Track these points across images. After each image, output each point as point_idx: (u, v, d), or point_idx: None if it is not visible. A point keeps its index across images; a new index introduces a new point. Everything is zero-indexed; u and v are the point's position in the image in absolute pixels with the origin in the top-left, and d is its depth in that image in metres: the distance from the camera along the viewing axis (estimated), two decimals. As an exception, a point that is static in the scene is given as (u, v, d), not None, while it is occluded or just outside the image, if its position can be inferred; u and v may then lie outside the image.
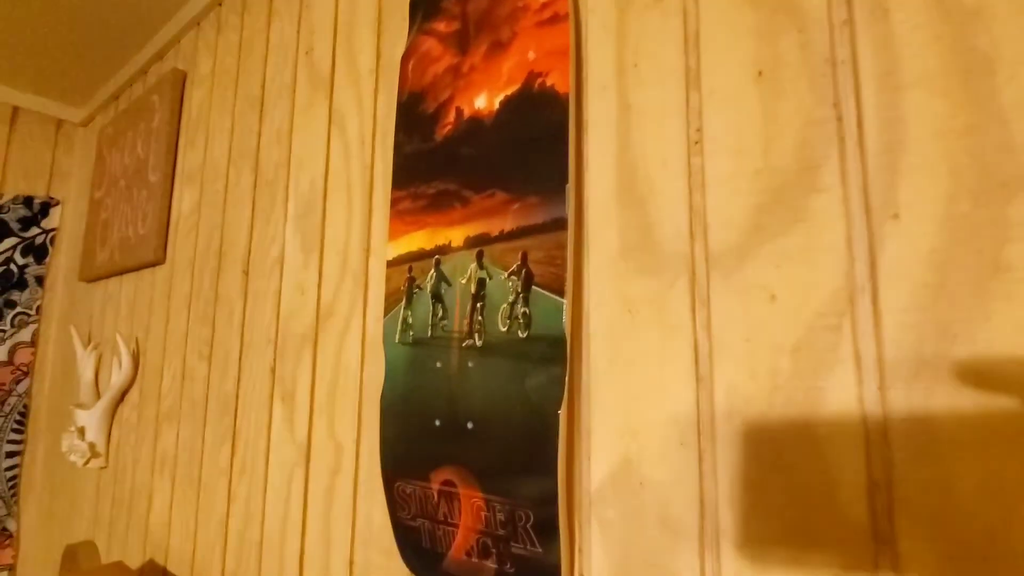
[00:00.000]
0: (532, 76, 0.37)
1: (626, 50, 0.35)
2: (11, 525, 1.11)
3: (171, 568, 0.69)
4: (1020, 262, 0.22)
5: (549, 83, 0.36)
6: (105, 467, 0.89)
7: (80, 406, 0.91)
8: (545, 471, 0.32)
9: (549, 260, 0.34)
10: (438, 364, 0.39)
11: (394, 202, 0.45)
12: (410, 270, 0.42)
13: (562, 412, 0.32)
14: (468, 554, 0.36)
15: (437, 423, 0.38)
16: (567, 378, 0.32)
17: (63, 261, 1.19)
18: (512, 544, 0.33)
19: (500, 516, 0.34)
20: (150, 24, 0.91)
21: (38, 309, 1.16)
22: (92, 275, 1.01)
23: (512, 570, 0.33)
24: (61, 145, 1.21)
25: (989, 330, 0.22)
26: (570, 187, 0.34)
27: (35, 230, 1.17)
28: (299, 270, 0.58)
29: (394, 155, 0.47)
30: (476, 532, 0.35)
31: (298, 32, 0.64)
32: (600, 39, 0.36)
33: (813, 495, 0.25)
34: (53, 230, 1.19)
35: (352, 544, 0.47)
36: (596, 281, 0.34)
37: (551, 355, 0.33)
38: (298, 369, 0.56)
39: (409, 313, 0.42)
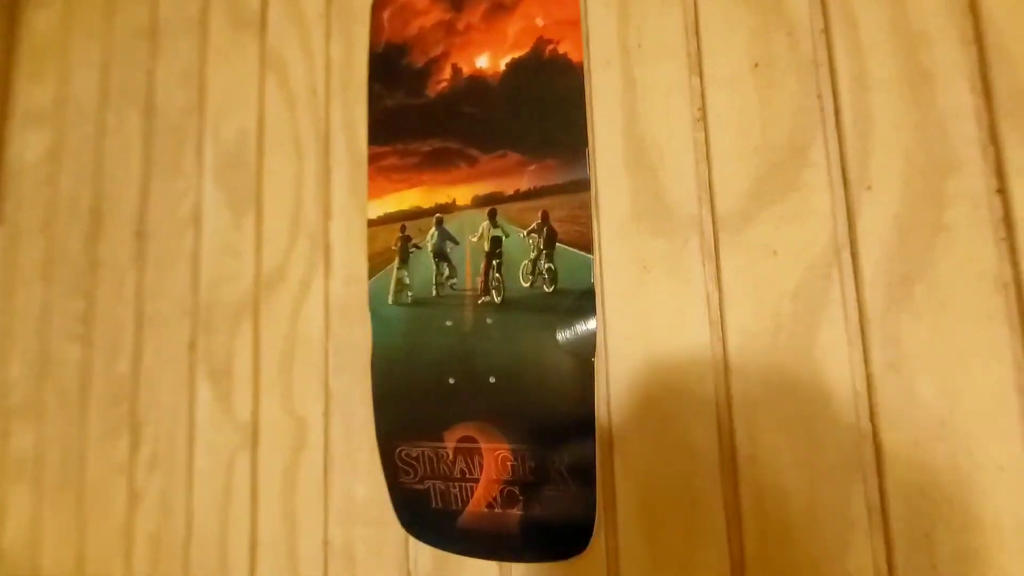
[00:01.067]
0: (542, 42, 0.38)
1: (628, 29, 0.39)
2: None
3: (38, 592, 0.57)
4: (955, 224, 0.30)
5: (562, 51, 0.38)
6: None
7: None
8: (583, 415, 0.35)
9: (572, 219, 0.36)
10: (448, 323, 0.39)
11: (374, 158, 0.43)
12: (403, 229, 0.41)
13: (598, 360, 0.35)
14: (490, 506, 0.37)
15: (451, 381, 0.38)
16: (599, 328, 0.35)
17: None
18: (545, 487, 0.35)
19: (530, 463, 0.36)
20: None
21: None
22: None
23: (543, 512, 0.36)
24: None
25: (936, 275, 0.30)
26: (591, 151, 0.36)
27: None
28: (228, 231, 0.52)
29: (370, 109, 0.44)
30: (500, 483, 0.37)
31: (208, -42, 0.56)
32: (602, 16, 0.39)
33: (815, 407, 0.32)
34: None
35: (326, 522, 0.44)
36: (609, 241, 0.37)
37: (581, 307, 0.35)
38: (235, 342, 0.50)
39: (404, 273, 0.41)
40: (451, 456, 0.38)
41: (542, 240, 0.36)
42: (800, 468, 0.32)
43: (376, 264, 0.42)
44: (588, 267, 0.35)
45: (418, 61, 0.42)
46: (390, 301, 0.41)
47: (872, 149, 0.32)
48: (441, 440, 0.38)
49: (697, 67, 0.37)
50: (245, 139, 0.52)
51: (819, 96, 0.34)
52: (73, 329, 0.59)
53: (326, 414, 0.45)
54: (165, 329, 0.54)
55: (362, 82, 0.47)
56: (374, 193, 0.43)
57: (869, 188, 0.32)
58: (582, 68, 0.37)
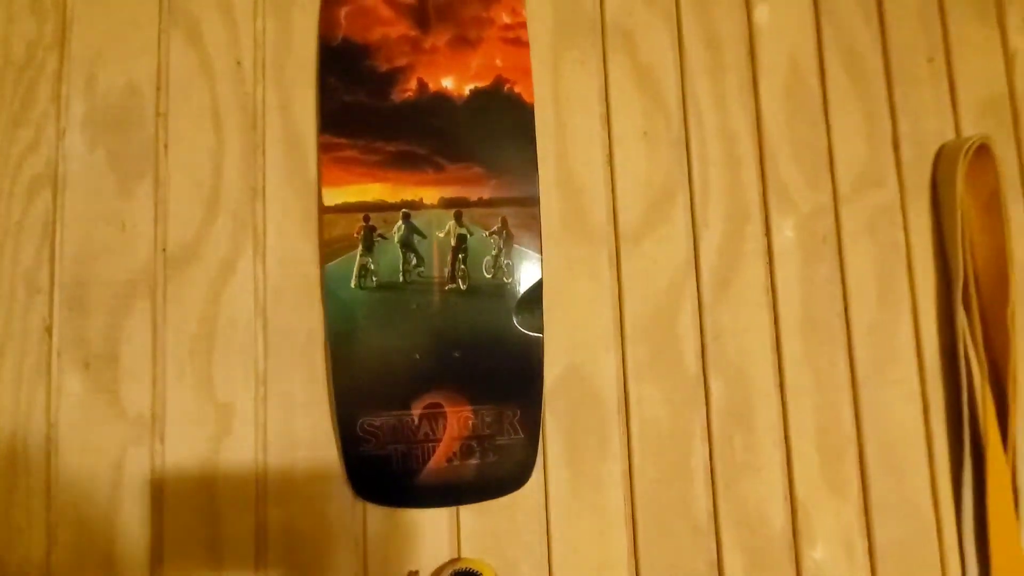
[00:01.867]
0: (501, 80, 0.47)
1: (560, 84, 0.50)
2: None
3: None
4: (750, 252, 0.51)
5: (517, 90, 0.47)
6: None
7: None
8: (533, 377, 0.45)
9: (525, 225, 0.46)
10: (414, 306, 0.44)
11: (329, 147, 0.45)
12: (367, 219, 0.45)
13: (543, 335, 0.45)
14: (449, 460, 0.44)
15: (417, 356, 0.44)
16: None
17: None
18: (497, 438, 0.44)
19: (487, 419, 0.44)
20: None
21: None
22: None
23: (495, 459, 0.44)
24: None
25: (737, 282, 0.50)
26: (539, 174, 0.47)
27: None
28: (110, 197, 0.45)
29: (323, 99, 0.46)
30: (460, 439, 0.44)
31: None
32: (542, 71, 0.50)
33: (674, 360, 0.49)
34: None
35: (257, 504, 0.44)
36: (547, 245, 0.48)
37: (532, 295, 0.45)
38: (125, 324, 0.44)
39: (369, 260, 0.44)
40: (416, 422, 0.44)
41: (502, 240, 0.45)
42: (666, 405, 0.49)
43: (335, 250, 0.44)
44: (537, 265, 0.46)
45: (381, 66, 0.46)
46: (353, 285, 0.44)
47: (708, 202, 0.51)
48: (408, 409, 0.44)
49: (607, 125, 0.51)
50: (136, 96, 0.46)
51: (680, 163, 0.51)
52: None
53: (264, 397, 0.45)
54: (3, 311, 0.43)
55: (302, 67, 0.48)
56: (331, 182, 0.45)
57: (707, 226, 0.51)
58: (532, 107, 0.48)
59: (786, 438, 0.49)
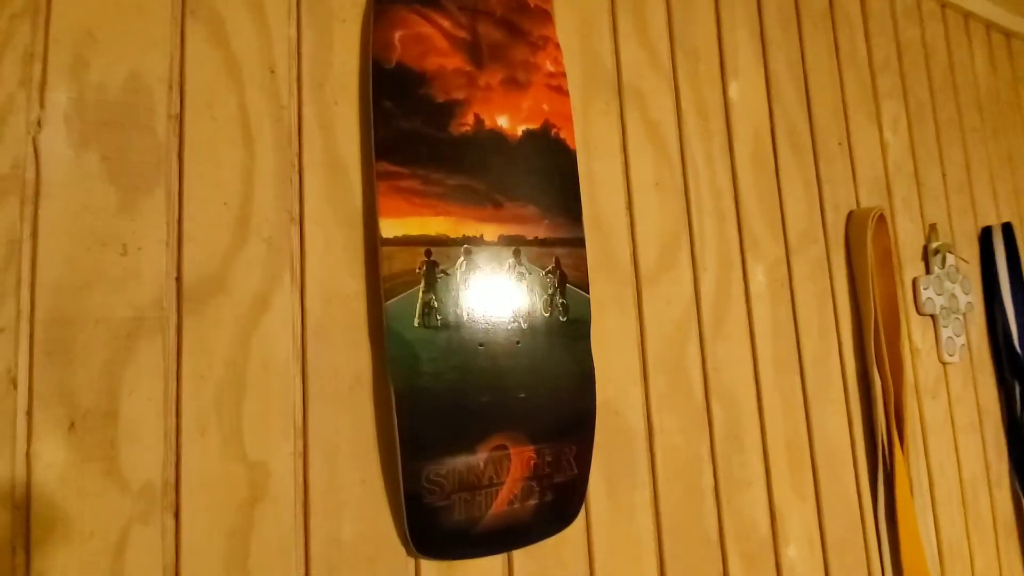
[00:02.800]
0: (548, 125, 0.49)
1: (590, 133, 0.54)
2: None
3: None
4: (739, 293, 0.59)
5: (562, 136, 0.49)
6: None
7: None
8: (588, 411, 0.46)
9: (575, 266, 0.48)
10: (481, 346, 0.43)
11: (389, 175, 0.42)
12: (428, 253, 0.42)
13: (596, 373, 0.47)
14: (511, 502, 0.43)
15: (485, 398, 0.42)
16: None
17: None
18: (555, 476, 0.45)
19: (548, 457, 0.44)
20: None
21: None
22: None
23: (551, 497, 0.45)
24: None
25: (729, 318, 0.58)
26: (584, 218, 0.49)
27: None
28: (103, 212, 0.36)
29: (378, 123, 0.42)
30: (522, 480, 0.43)
31: None
32: (577, 120, 0.53)
33: (683, 386, 0.54)
34: None
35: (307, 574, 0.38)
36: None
37: (583, 333, 0.47)
38: (125, 373, 0.35)
39: (432, 296, 0.42)
40: (482, 466, 0.42)
41: (557, 280, 0.46)
42: (680, 433, 0.53)
43: (397, 285, 0.41)
44: (588, 303, 0.48)
45: (438, 97, 0.44)
46: (416, 323, 0.41)
47: (705, 249, 0.58)
48: (474, 452, 0.42)
49: (626, 174, 0.55)
50: (143, 91, 0.38)
51: (685, 213, 0.58)
52: None
53: (303, 452, 0.39)
54: (-71, 356, 0.31)
55: (345, 85, 0.44)
56: (388, 212, 0.42)
57: (706, 270, 0.58)
58: (575, 154, 0.50)
59: (765, 454, 0.57)
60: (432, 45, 0.45)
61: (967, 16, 0.89)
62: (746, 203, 0.62)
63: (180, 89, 0.39)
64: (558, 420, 0.45)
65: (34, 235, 0.34)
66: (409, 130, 0.43)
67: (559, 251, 0.47)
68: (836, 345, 0.65)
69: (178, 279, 0.37)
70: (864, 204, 0.70)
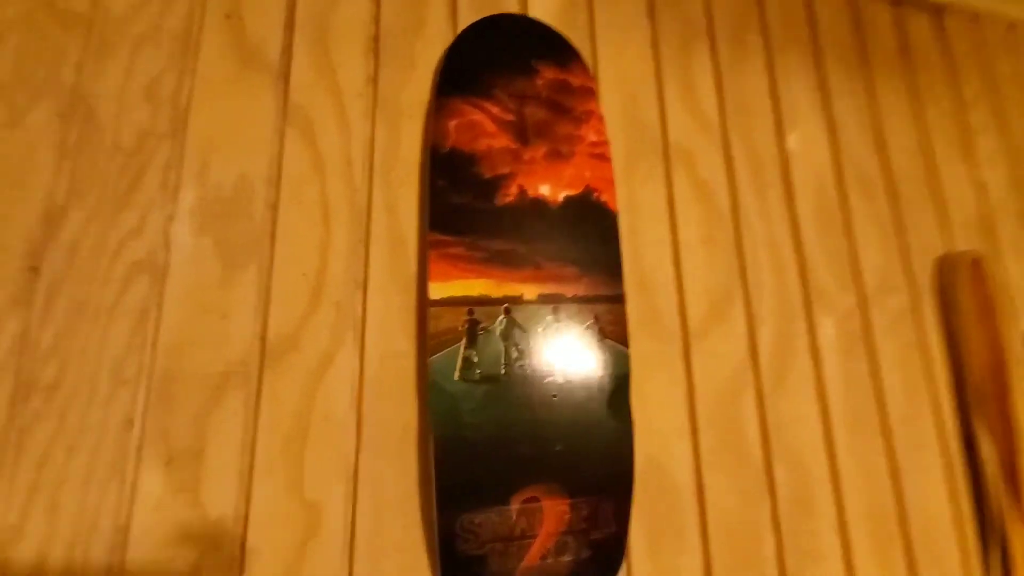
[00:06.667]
0: (589, 190, 0.52)
1: (634, 195, 0.56)
2: None
3: None
4: (799, 348, 0.56)
5: (603, 199, 0.52)
6: None
7: None
8: (626, 466, 0.46)
9: (614, 322, 0.49)
10: (518, 398, 0.45)
11: (438, 244, 0.47)
12: (471, 312, 0.46)
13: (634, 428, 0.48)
14: (543, 557, 0.44)
15: (521, 450, 0.45)
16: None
17: None
18: (592, 532, 0.45)
19: (584, 512, 0.45)
20: None
21: None
22: None
23: (588, 554, 0.45)
24: None
25: (783, 374, 0.55)
26: (624, 275, 0.51)
27: None
28: (211, 287, 0.44)
29: (433, 200, 0.48)
30: (556, 535, 0.44)
31: (196, -24, 0.50)
32: (620, 183, 0.56)
33: (738, 444, 0.52)
34: None
35: (345, 613, 0.42)
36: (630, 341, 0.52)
37: (621, 387, 0.48)
38: (213, 419, 0.42)
39: (473, 352, 0.46)
40: (515, 517, 0.44)
41: (595, 336, 0.48)
42: (735, 493, 0.51)
43: (440, 342, 0.45)
44: (626, 359, 0.49)
45: (486, 173, 0.50)
46: (456, 377, 0.45)
47: (763, 302, 0.57)
48: (507, 503, 0.44)
49: (674, 231, 0.56)
50: (248, 188, 0.47)
51: (738, 267, 0.57)
52: None
53: (352, 495, 0.44)
54: (79, 402, 0.40)
55: (408, 171, 0.51)
56: (437, 276, 0.47)
57: (763, 323, 0.56)
58: (616, 215, 0.52)
59: (842, 524, 0.53)
60: (483, 129, 0.51)
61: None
62: (810, 254, 0.60)
63: (277, 183, 0.48)
64: (595, 474, 0.46)
65: (159, 305, 0.43)
66: (459, 204, 0.49)
67: (598, 308, 0.49)
68: (929, 404, 0.59)
69: (262, 339, 0.45)
70: (960, 248, 0.64)
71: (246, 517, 0.42)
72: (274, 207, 0.47)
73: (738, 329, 0.55)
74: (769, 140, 0.62)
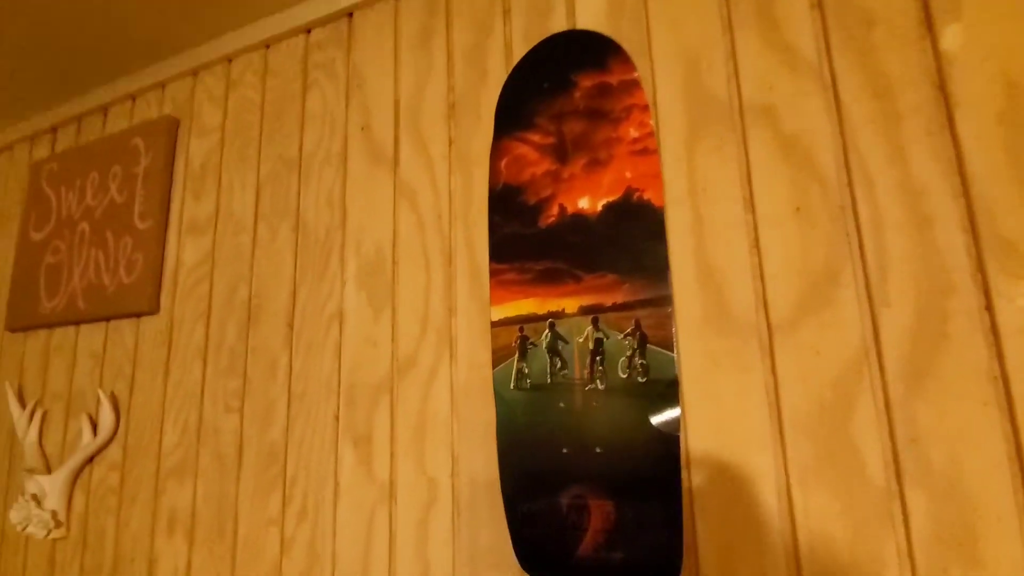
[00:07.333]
0: (631, 190, 0.51)
1: (696, 177, 0.51)
2: None
3: (195, 628, 0.68)
4: (954, 333, 0.41)
5: (646, 197, 0.50)
6: (65, 537, 0.82)
7: (32, 471, 0.82)
8: (671, 477, 0.45)
9: (658, 325, 0.48)
10: (561, 404, 0.50)
11: (496, 273, 0.56)
12: (521, 329, 0.53)
13: (680, 434, 0.45)
14: (596, 550, 0.47)
15: (565, 451, 0.49)
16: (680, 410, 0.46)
17: (-37, 307, 1.05)
18: (640, 535, 0.46)
19: (629, 515, 0.46)
20: (116, 61, 0.89)
21: (-71, 363, 1.00)
22: (30, 323, 0.92)
23: (641, 555, 0.46)
24: (-36, 176, 1.07)
25: (941, 371, 0.41)
26: (671, 273, 0.48)
27: (-70, 272, 1.01)
28: (368, 325, 0.65)
29: (491, 234, 0.57)
30: (604, 532, 0.47)
31: (347, 108, 0.72)
32: (675, 169, 0.52)
33: (853, 471, 0.42)
34: (-50, 271, 1.04)
35: (453, 564, 0.55)
36: (685, 341, 0.49)
37: (667, 394, 0.46)
38: (374, 415, 0.62)
39: (524, 365, 0.53)
40: (565, 511, 0.49)
41: (636, 341, 0.48)
42: (844, 519, 0.42)
43: (498, 357, 0.54)
44: (672, 363, 0.47)
45: (530, 200, 0.55)
46: (511, 387, 0.53)
47: (888, 275, 0.43)
48: (557, 497, 0.49)
49: (751, 208, 0.49)
50: (381, 253, 0.65)
51: (847, 234, 0.45)
52: (230, 403, 0.72)
53: (453, 475, 0.56)
54: (313, 404, 0.66)
55: (479, 210, 0.60)
56: (496, 301, 0.55)
57: (888, 305, 0.43)
58: (662, 209, 0.50)
59: (1047, 584, 0.36)
60: (526, 160, 0.56)
61: None
62: (984, 195, 0.42)
63: (394, 245, 0.65)
64: (638, 479, 0.46)
65: (341, 342, 0.66)
66: (509, 233, 0.56)
67: (640, 313, 0.49)
68: None
69: (394, 359, 0.62)
70: None
71: (394, 484, 0.60)
72: (395, 263, 0.64)
73: (847, 315, 0.44)
74: (905, 52, 0.45)
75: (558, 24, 0.60)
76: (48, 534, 0.79)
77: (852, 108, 0.47)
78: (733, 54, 0.52)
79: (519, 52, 0.61)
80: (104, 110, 0.97)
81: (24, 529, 0.79)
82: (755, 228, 0.48)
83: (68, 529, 0.81)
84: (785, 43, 0.50)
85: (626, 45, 0.55)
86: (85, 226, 0.90)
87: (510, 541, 0.52)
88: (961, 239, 0.42)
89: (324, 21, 0.75)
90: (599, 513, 0.47)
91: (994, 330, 0.40)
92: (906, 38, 0.46)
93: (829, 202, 0.46)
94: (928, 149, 0.44)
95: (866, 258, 0.44)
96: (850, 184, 0.46)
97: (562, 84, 0.56)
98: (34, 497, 0.80)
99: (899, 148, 0.45)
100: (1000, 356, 0.40)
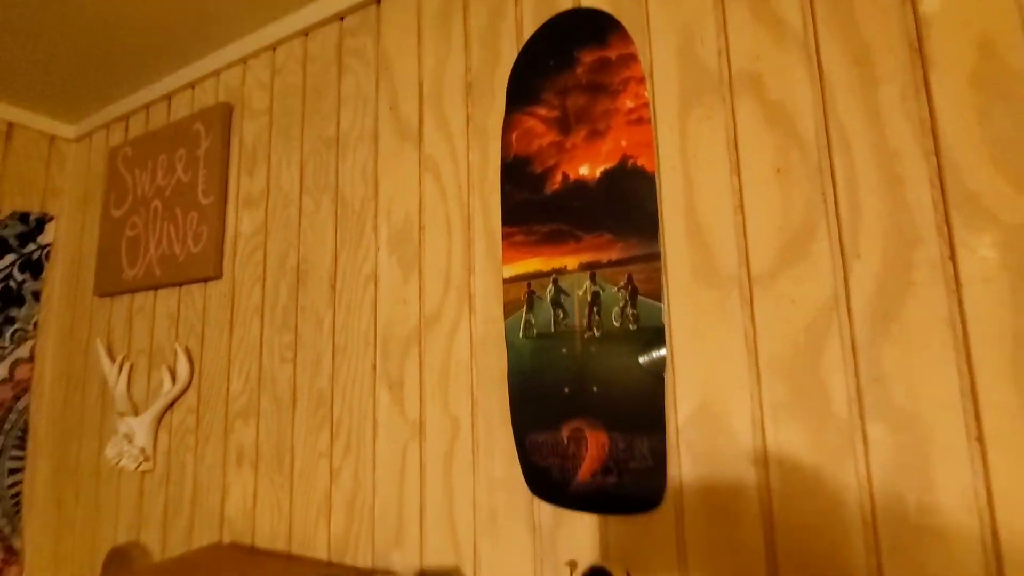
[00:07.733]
0: (626, 157, 0.56)
1: (687, 144, 0.55)
2: (16, 543, 1.11)
3: (261, 544, 0.80)
4: (919, 281, 0.44)
5: (640, 163, 0.55)
6: (151, 470, 0.96)
7: (123, 414, 0.96)
8: (657, 413, 0.51)
9: (648, 279, 0.53)
10: (564, 350, 0.57)
11: (507, 235, 0.62)
12: (529, 285, 0.60)
13: (666, 375, 0.51)
14: (593, 475, 0.54)
15: (566, 390, 0.56)
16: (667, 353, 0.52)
17: (59, 275, 1.20)
18: (630, 462, 0.52)
19: (621, 445, 0.52)
20: (176, 54, 0.99)
21: (35, 324, 1.17)
22: (115, 289, 1.06)
23: (629, 480, 0.52)
24: (54, 161, 1.22)
25: (906, 316, 0.45)
26: (661, 232, 0.53)
27: (32, 246, 1.17)
28: (399, 285, 0.73)
29: (503, 201, 0.64)
30: (600, 460, 0.54)
31: (377, 89, 0.79)
32: (668, 137, 0.56)
33: (820, 407, 0.47)
34: (48, 245, 1.20)
35: (474, 491, 0.63)
36: (675, 293, 0.54)
37: (655, 339, 0.52)
38: (405, 364, 0.71)
39: (531, 316, 0.59)
40: (566, 442, 0.55)
41: (628, 293, 0.54)
42: (811, 450, 0.47)
43: (509, 310, 0.61)
44: (660, 312, 0.52)
45: (537, 169, 0.61)
46: (520, 336, 0.59)
47: (859, 230, 0.47)
48: (559, 430, 0.56)
49: (736, 171, 0.53)
50: (409, 221, 0.73)
51: (823, 193, 0.49)
52: (285, 354, 0.82)
53: (472, 415, 0.64)
54: (354, 355, 0.75)
55: (494, 180, 0.67)
56: (507, 260, 0.62)
57: (858, 256, 0.47)
58: (655, 175, 0.55)
59: (990, 507, 0.41)
60: (534, 133, 0.62)
61: None
62: (954, 153, 0.44)
63: (420, 213, 0.72)
64: (629, 413, 0.52)
65: (376, 300, 0.74)
66: (519, 200, 0.62)
67: (632, 268, 0.54)
68: None
69: (421, 315, 0.70)
70: None
71: (423, 423, 0.68)
72: (421, 229, 0.71)
73: (819, 268, 0.48)
74: (885, 20, 0.48)
75: (565, 4, 0.64)
76: (138, 467, 0.93)
77: (833, 76, 0.50)
78: (724, 27, 0.55)
79: (529, 32, 0.66)
80: (168, 98, 1.08)
81: (118, 463, 0.94)
82: (740, 191, 0.52)
83: (154, 463, 0.95)
84: (773, 14, 0.53)
85: (625, 21, 0.60)
86: (157, 203, 1.01)
87: (520, 469, 0.60)
88: (929, 194, 0.45)
89: (355, 8, 0.82)
90: (595, 443, 0.54)
91: (956, 278, 0.43)
92: (886, 7, 0.48)
93: (808, 164, 0.50)
94: (902, 112, 0.47)
95: (840, 215, 0.48)
96: (828, 147, 0.49)
97: (566, 60, 0.61)
98: (126, 436, 0.94)
99: (875, 113, 0.48)
100: (960, 302, 0.43)
